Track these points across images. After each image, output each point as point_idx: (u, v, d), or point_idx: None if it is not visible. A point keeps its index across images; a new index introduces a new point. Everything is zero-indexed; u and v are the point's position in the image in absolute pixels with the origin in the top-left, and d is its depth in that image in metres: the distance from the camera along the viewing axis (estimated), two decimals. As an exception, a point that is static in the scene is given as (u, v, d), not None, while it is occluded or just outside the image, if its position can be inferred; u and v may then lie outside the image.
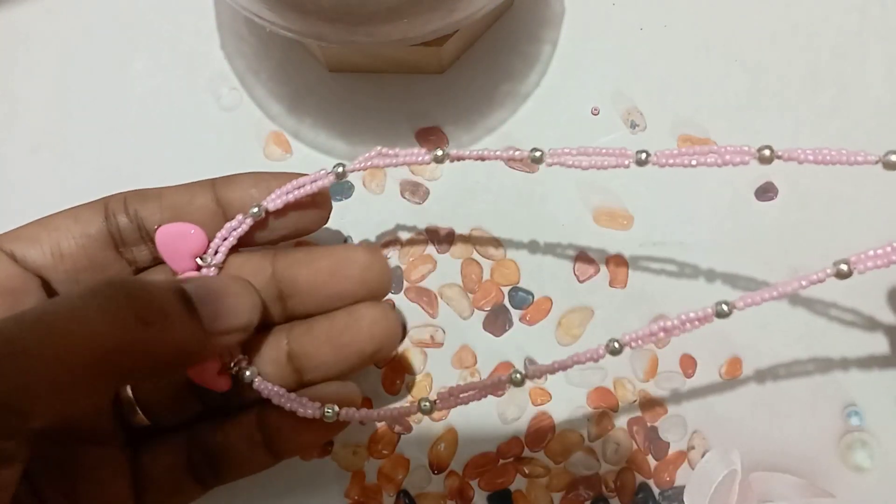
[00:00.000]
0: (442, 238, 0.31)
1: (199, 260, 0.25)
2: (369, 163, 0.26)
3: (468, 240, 0.31)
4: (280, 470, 0.29)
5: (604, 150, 0.25)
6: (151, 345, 0.19)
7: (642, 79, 0.33)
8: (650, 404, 0.30)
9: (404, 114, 0.33)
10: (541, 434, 0.29)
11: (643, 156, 0.24)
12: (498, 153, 0.26)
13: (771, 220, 0.31)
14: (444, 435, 0.29)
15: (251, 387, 0.24)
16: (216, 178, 0.25)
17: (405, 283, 0.31)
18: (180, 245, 0.25)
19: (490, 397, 0.30)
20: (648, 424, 0.29)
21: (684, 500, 0.28)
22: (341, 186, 0.32)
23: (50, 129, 0.33)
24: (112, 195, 0.25)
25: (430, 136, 0.32)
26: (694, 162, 0.24)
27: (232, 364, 0.24)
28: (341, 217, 0.32)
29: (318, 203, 0.26)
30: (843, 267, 0.23)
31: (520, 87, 0.33)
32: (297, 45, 0.33)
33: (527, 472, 0.29)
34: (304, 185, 0.25)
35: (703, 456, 0.29)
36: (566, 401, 0.30)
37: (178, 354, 0.20)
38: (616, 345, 0.24)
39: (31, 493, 0.22)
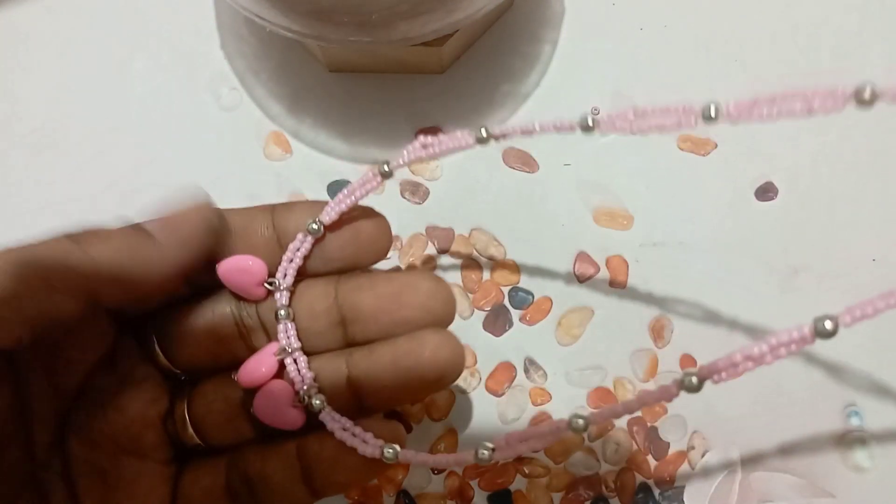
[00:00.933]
0: (442, 238, 0.31)
1: (267, 285, 0.24)
2: (414, 155, 0.25)
3: (468, 240, 0.31)
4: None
5: (665, 108, 0.21)
6: (88, 253, 0.20)
7: (642, 79, 0.33)
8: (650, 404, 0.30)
9: (404, 114, 0.33)
10: (541, 434, 0.29)
11: (712, 111, 0.20)
12: (545, 125, 0.23)
13: (771, 220, 0.31)
14: (444, 435, 0.29)
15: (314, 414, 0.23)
16: (276, 205, 0.25)
17: (405, 283, 0.31)
18: (245, 277, 0.24)
19: (490, 397, 0.30)
20: (648, 424, 0.29)
21: (684, 500, 0.28)
22: (341, 186, 0.32)
23: (51, 129, 0.33)
24: None
25: (429, 135, 0.32)
26: (775, 111, 0.20)
27: (303, 394, 0.23)
28: (341, 217, 0.32)
29: (377, 235, 0.25)
30: None
31: (520, 87, 0.33)
32: (297, 46, 0.33)
33: (527, 472, 0.29)
34: (354, 192, 0.24)
35: (703, 456, 0.29)
36: (566, 401, 0.30)
37: (120, 259, 0.21)
38: (693, 380, 0.19)
39: (69, 497, 0.22)
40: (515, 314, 0.31)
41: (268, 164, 0.32)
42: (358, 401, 0.24)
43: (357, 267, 0.25)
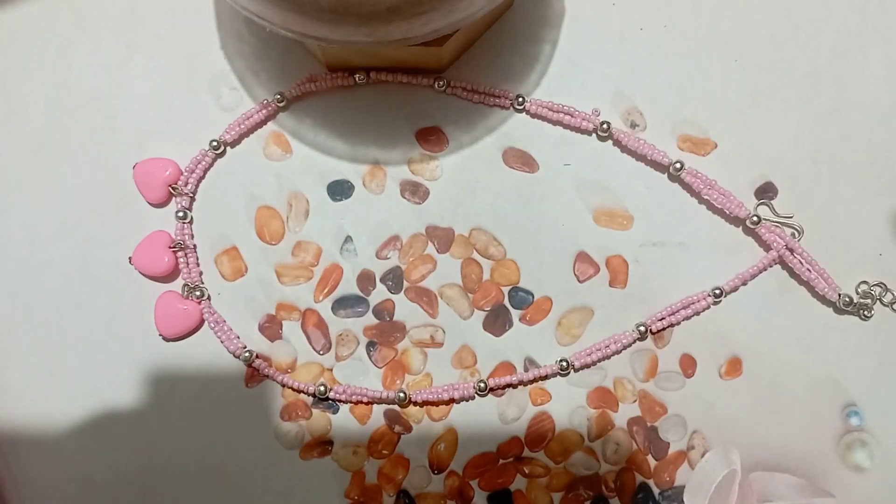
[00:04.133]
0: (442, 238, 0.31)
1: (171, 189, 0.31)
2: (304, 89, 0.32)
3: (468, 240, 0.31)
4: (280, 470, 0.29)
5: None
6: None
7: (642, 79, 0.33)
8: (650, 404, 0.30)
9: (404, 113, 0.33)
10: (541, 434, 0.29)
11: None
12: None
13: (771, 220, 0.31)
14: (444, 435, 0.29)
15: None
16: None
17: (405, 283, 0.31)
18: (157, 177, 0.31)
19: (490, 397, 0.30)
20: (648, 424, 0.29)
21: (684, 500, 0.28)
22: (341, 186, 0.32)
23: (51, 130, 0.33)
24: None
25: (429, 135, 0.32)
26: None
27: (191, 287, 0.31)
28: (342, 217, 0.32)
29: None
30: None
31: (520, 87, 0.33)
32: (296, 45, 0.33)
33: (527, 472, 0.29)
34: (251, 117, 0.32)
35: (702, 456, 0.29)
36: (566, 401, 0.30)
37: None
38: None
39: None
40: (515, 314, 0.31)
41: (268, 164, 0.32)
42: None
43: None
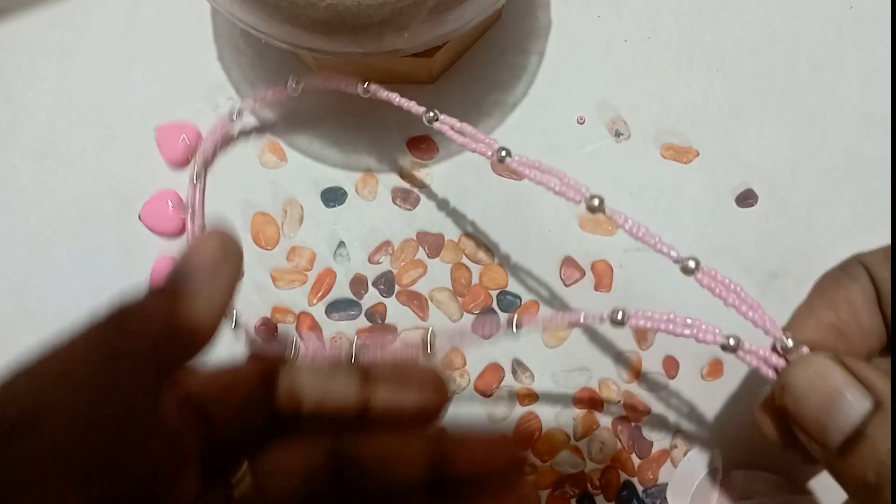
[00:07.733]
0: (432, 243, 0.32)
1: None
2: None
3: (458, 245, 0.32)
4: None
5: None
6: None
7: (627, 89, 0.33)
8: (634, 405, 0.30)
9: (395, 123, 0.33)
10: (528, 433, 0.30)
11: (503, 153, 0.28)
12: None
13: (750, 226, 0.32)
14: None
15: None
16: None
17: (397, 287, 0.32)
18: (175, 137, 0.32)
19: (480, 397, 0.30)
20: (632, 424, 0.30)
21: (667, 497, 0.29)
22: (335, 193, 0.33)
23: (52, 137, 0.34)
24: None
25: (420, 144, 0.33)
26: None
27: None
28: (335, 223, 0.32)
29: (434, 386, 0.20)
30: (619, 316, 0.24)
31: (508, 97, 0.33)
32: (291, 56, 0.34)
33: (514, 470, 0.30)
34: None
35: (685, 455, 0.29)
36: (552, 401, 0.30)
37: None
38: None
39: None
40: (503, 317, 0.31)
41: (263, 172, 0.33)
42: None
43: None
